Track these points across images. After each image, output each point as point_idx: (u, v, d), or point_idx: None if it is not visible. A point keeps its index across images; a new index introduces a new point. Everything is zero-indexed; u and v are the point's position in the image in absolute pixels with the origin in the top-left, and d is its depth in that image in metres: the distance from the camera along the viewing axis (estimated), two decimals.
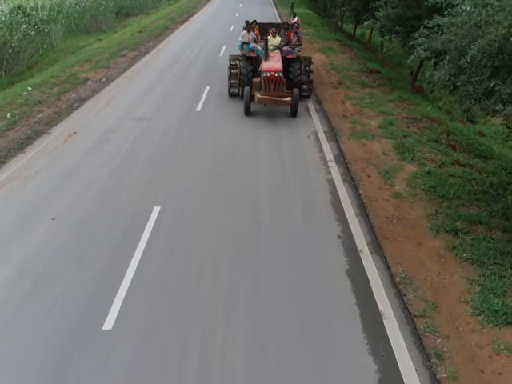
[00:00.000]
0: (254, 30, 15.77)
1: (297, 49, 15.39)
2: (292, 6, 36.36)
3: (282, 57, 14.48)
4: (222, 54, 22.07)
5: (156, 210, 8.77)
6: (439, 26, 8.36)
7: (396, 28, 17.28)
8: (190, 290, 6.80)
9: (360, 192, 9.82)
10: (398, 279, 7.14)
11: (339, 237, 8.22)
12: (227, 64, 15.63)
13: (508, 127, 7.76)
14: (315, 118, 14.37)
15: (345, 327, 6.23)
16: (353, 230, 8.41)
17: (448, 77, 7.90)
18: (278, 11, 40.87)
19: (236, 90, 15.56)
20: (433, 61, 9.48)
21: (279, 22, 28.33)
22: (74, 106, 14.92)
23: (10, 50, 20.91)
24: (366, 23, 20.64)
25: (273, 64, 13.90)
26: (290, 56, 14.87)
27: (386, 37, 20.17)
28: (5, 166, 10.61)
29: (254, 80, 14.41)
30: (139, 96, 15.89)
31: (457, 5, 7.56)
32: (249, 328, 6.15)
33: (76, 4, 33.60)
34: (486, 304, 6.53)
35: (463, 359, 5.74)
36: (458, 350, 5.88)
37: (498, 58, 7.38)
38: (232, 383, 5.41)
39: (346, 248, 7.90)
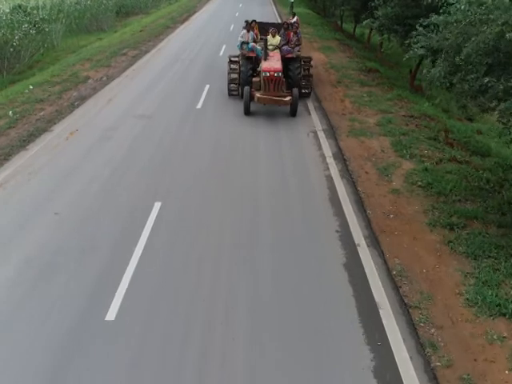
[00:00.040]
0: (253, 30, 15.81)
1: (296, 48, 15.44)
2: (291, 6, 36.47)
3: (281, 56, 14.53)
4: (222, 53, 22.21)
5: (157, 205, 8.92)
6: (435, 24, 8.50)
7: (395, 27, 17.42)
8: (191, 284, 6.95)
9: (358, 188, 9.98)
10: (395, 272, 7.30)
11: (337, 231, 8.38)
12: (227, 63, 15.75)
13: (503, 123, 7.88)
14: (314, 117, 14.52)
15: (342, 318, 6.38)
16: (350, 225, 8.57)
17: (444, 74, 8.05)
18: (277, 11, 41.03)
19: (236, 90, 15.64)
20: (429, 59, 9.63)
21: (279, 21, 28.48)
22: (76, 104, 15.07)
23: (11, 49, 21.07)
24: (364, 22, 20.79)
25: (272, 64, 13.95)
26: (289, 56, 14.92)
27: (384, 36, 20.30)
28: (8, 163, 10.75)
29: (254, 80, 14.46)
30: (140, 94, 16.04)
31: (452, 3, 7.72)
32: (249, 321, 6.30)
33: (76, 3, 33.76)
34: (480, 296, 6.69)
35: (457, 348, 5.90)
36: (451, 339, 6.04)
37: (493, 56, 7.54)
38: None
39: (344, 242, 8.06)
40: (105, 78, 18.04)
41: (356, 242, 8.07)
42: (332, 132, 13.23)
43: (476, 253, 7.66)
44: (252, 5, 43.72)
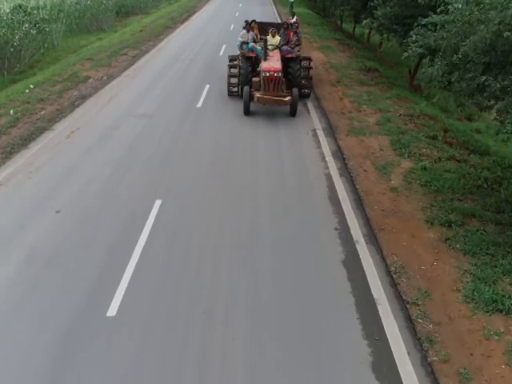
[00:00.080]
0: (253, 30, 15.83)
1: (296, 48, 15.45)
2: (291, 6, 36.54)
3: (281, 56, 14.53)
4: (222, 52, 22.28)
5: (158, 203, 9.00)
6: (433, 23, 8.57)
7: (394, 27, 17.51)
8: (191, 281, 7.03)
9: (357, 186, 10.05)
10: (393, 269, 7.37)
11: (336, 229, 8.45)
12: (227, 63, 15.81)
13: (500, 122, 7.95)
14: (314, 116, 14.59)
15: (341, 314, 6.45)
16: (349, 223, 8.64)
17: (441, 73, 8.12)
18: (277, 10, 41.09)
19: (235, 90, 15.67)
20: (428, 58, 9.70)
21: (279, 21, 28.54)
22: (76, 103, 15.14)
23: (11, 49, 21.09)
24: (364, 22, 20.87)
25: (272, 64, 13.96)
26: (289, 56, 14.92)
27: (384, 36, 20.39)
28: (9, 162, 10.83)
29: (254, 80, 14.47)
30: (140, 93, 16.11)
31: (449, 3, 7.79)
32: (249, 316, 6.38)
33: (77, 3, 33.79)
34: (477, 292, 6.76)
35: (454, 344, 5.97)
36: (449, 335, 6.11)
37: (490, 55, 7.61)
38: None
39: (343, 239, 8.13)
40: (105, 78, 18.12)
41: (355, 240, 8.14)
42: (331, 131, 13.30)
43: (473, 250, 7.74)
44: (252, 5, 43.78)
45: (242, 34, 15.43)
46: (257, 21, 16.75)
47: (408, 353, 5.83)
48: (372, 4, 18.38)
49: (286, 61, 14.66)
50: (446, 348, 5.89)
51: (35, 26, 24.43)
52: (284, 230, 8.38)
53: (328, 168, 10.90)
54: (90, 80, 17.75)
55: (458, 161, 11.41)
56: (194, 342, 5.95)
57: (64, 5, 32.94)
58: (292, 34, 15.79)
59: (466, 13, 7.33)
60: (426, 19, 8.88)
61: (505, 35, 6.99)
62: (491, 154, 12.79)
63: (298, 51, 15.64)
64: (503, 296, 6.65)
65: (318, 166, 11.01)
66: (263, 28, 16.69)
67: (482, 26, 7.08)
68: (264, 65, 13.94)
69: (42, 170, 10.39)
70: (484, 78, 7.30)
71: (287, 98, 13.94)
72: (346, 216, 8.88)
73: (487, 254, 7.66)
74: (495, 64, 7.58)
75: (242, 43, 15.22)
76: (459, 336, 6.09)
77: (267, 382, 5.45)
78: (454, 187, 9.88)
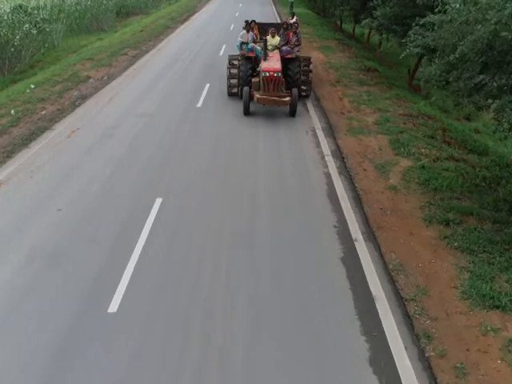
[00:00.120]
0: (253, 30, 15.87)
1: (296, 49, 15.49)
2: (291, 6, 36.62)
3: (281, 57, 14.56)
4: (222, 52, 22.36)
5: (158, 201, 9.08)
6: (431, 23, 8.64)
7: (393, 27, 17.56)
8: (191, 279, 7.11)
9: (356, 185, 10.13)
10: (391, 266, 7.44)
11: (335, 226, 8.53)
12: (227, 63, 15.88)
13: (497, 121, 8.03)
14: (313, 115, 14.67)
15: (339, 310, 6.53)
16: (348, 220, 8.71)
17: (439, 72, 8.19)
18: (277, 11, 41.18)
19: (235, 90, 15.69)
20: (426, 58, 9.77)
21: (278, 21, 28.62)
22: (77, 103, 15.22)
23: (12, 49, 21.16)
24: (363, 22, 20.94)
25: (272, 64, 13.98)
26: (289, 56, 14.94)
27: (383, 36, 20.46)
28: (10, 161, 10.90)
29: (253, 80, 14.49)
30: (141, 93, 16.19)
31: (447, 3, 7.86)
32: (249, 310, 6.45)
33: (77, 3, 33.89)
34: (474, 289, 6.82)
35: (451, 339, 6.04)
36: (446, 330, 6.18)
37: (488, 55, 7.67)
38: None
39: (341, 237, 8.21)
40: (106, 78, 18.19)
41: (353, 237, 8.21)
42: (330, 130, 13.37)
43: (471, 248, 7.80)
44: (252, 5, 43.88)
45: (242, 35, 15.48)
46: (257, 21, 16.80)
47: (405, 348, 5.90)
48: (371, 4, 18.44)
49: (285, 61, 14.67)
50: (443, 343, 5.96)
51: (35, 26, 24.51)
52: (283, 228, 8.45)
53: (327, 167, 10.97)
54: (90, 80, 17.83)
55: (457, 160, 11.48)
56: (194, 341, 5.96)
57: (64, 5, 33.05)
58: (292, 34, 15.82)
59: (464, 12, 7.41)
60: (424, 19, 8.95)
61: (502, 35, 7.07)
62: (490, 153, 12.86)
63: (298, 51, 15.71)
64: (500, 293, 6.72)
65: (318, 165, 11.08)
66: (263, 28, 16.73)
67: (479, 26, 7.16)
68: (264, 65, 13.97)
69: (42, 170, 10.46)
70: (481, 77, 7.36)
71: (287, 99, 13.95)
72: (345, 214, 8.95)
73: (485, 251, 7.72)
74: (492, 63, 7.65)
75: (242, 43, 15.28)
76: (456, 332, 6.16)
77: (267, 381, 5.47)
78: (452, 186, 9.95)
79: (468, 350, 5.86)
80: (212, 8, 44.71)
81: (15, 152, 11.35)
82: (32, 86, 16.61)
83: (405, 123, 13.88)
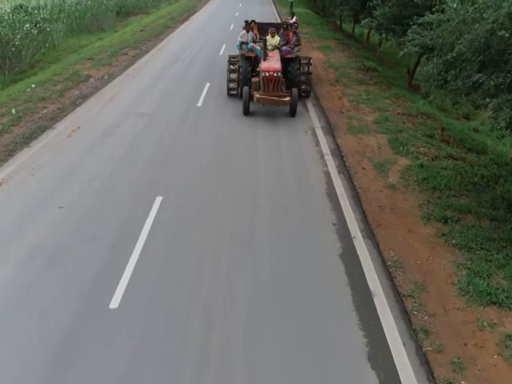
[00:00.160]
0: (252, 30, 15.89)
1: (296, 49, 15.52)
2: (291, 6, 36.65)
3: (280, 57, 14.59)
4: (221, 52, 22.43)
5: (159, 199, 9.16)
6: (429, 22, 8.72)
7: (392, 26, 17.61)
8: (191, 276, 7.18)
9: (355, 183, 10.20)
10: (389, 263, 7.52)
11: (334, 224, 8.60)
12: (226, 63, 15.92)
13: (495, 119, 8.11)
14: (313, 114, 14.73)
15: (337, 306, 6.60)
16: (347, 218, 8.79)
17: (437, 71, 8.27)
18: (277, 10, 41.25)
19: (235, 92, 15.72)
20: (425, 57, 9.85)
21: (278, 21, 28.69)
22: (78, 102, 15.28)
23: (12, 49, 21.24)
24: (363, 22, 21.02)
25: (272, 64, 14.00)
26: (288, 56, 14.97)
27: (383, 35, 20.53)
28: (12, 159, 10.97)
29: (253, 80, 14.51)
30: (141, 93, 16.26)
31: (444, 2, 7.94)
32: (248, 303, 6.53)
33: (77, 3, 33.96)
34: (471, 285, 6.90)
35: (448, 334, 6.12)
36: (443, 326, 6.26)
37: (485, 54, 7.75)
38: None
39: (340, 234, 8.28)
40: (106, 77, 18.26)
41: (352, 235, 8.29)
42: (330, 129, 13.44)
43: (469, 245, 7.88)
44: (252, 4, 43.96)
45: (242, 34, 15.52)
46: (256, 21, 16.84)
47: (403, 343, 5.98)
48: (371, 4, 18.52)
49: (285, 61, 14.70)
50: (441, 339, 6.03)
51: (36, 25, 24.57)
52: (283, 226, 8.51)
53: (327, 166, 11.05)
54: (90, 79, 17.90)
55: (455, 159, 11.56)
56: (194, 341, 5.97)
57: (64, 5, 33.12)
58: (291, 34, 15.85)
59: (461, 12, 7.48)
60: (422, 18, 9.02)
61: (499, 34, 7.14)
62: (488, 152, 12.93)
63: (298, 51, 15.74)
64: (497, 289, 6.80)
65: (317, 164, 11.16)
66: (263, 28, 16.76)
67: (477, 25, 7.23)
68: (263, 65, 13.99)
69: (43, 168, 10.53)
70: (479, 75, 7.44)
71: (287, 99, 13.97)
72: (344, 212, 9.03)
73: (482, 248, 7.80)
74: (490, 62, 7.73)
75: (242, 43, 15.31)
76: (454, 327, 6.24)
77: (267, 380, 5.49)
78: (450, 184, 10.02)
79: (465, 345, 5.94)
80: (212, 8, 44.78)
81: (16, 151, 11.41)
82: (33, 86, 16.69)
83: (404, 122, 13.95)
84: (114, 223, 8.42)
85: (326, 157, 11.56)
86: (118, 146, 11.73)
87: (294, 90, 14.22)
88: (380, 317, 6.38)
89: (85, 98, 15.72)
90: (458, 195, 9.69)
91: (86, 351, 5.76)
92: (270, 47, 14.83)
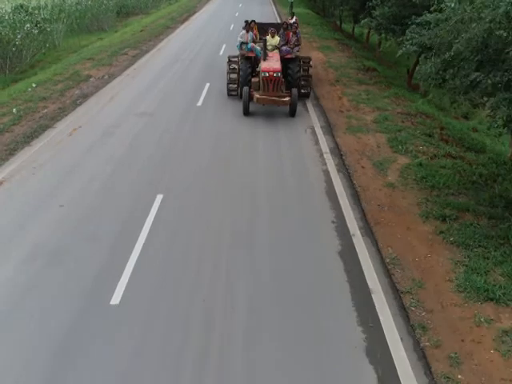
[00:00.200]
0: (252, 30, 15.92)
1: (296, 49, 15.55)
2: (291, 6, 36.72)
3: (280, 57, 14.61)
4: (221, 52, 22.49)
5: (159, 197, 9.22)
6: (428, 21, 8.78)
7: (392, 26, 17.70)
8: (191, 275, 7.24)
9: (354, 182, 10.26)
10: (388, 260, 7.58)
11: (333, 222, 8.67)
12: (226, 63, 15.97)
13: (492, 118, 8.17)
14: (312, 114, 14.79)
15: (336, 302, 6.67)
16: (346, 216, 8.86)
17: (436, 70, 8.33)
18: (277, 10, 41.32)
19: (234, 93, 15.75)
20: (423, 56, 9.91)
21: (278, 21, 28.75)
22: (78, 102, 15.35)
23: (13, 49, 21.32)
24: (362, 22, 21.08)
25: (271, 64, 14.02)
26: (288, 56, 14.98)
27: (382, 35, 20.61)
28: (13, 158, 11.04)
29: (253, 80, 14.53)
30: (141, 92, 16.32)
31: (442, 2, 8.00)
32: (247, 301, 6.59)
33: (77, 3, 34.05)
34: (469, 282, 6.97)
35: (445, 330, 6.18)
36: (441, 322, 6.32)
37: (483, 53, 7.81)
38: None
39: (339, 232, 8.35)
40: (106, 77, 18.33)
41: (351, 233, 8.35)
42: (329, 129, 13.50)
43: (467, 242, 7.95)
44: (252, 5, 44.03)
45: (242, 35, 15.56)
46: (256, 21, 16.87)
47: (401, 339, 6.04)
48: (370, 4, 18.59)
49: (285, 61, 14.70)
50: (438, 334, 6.10)
51: (36, 25, 24.64)
52: (283, 225, 8.56)
53: (326, 165, 11.11)
54: (91, 79, 17.97)
55: (454, 157, 11.62)
56: (194, 338, 6.01)
57: (65, 5, 33.21)
58: (291, 34, 15.88)
59: (459, 11, 7.54)
60: (421, 18, 9.08)
61: (497, 33, 7.21)
62: (487, 151, 12.99)
63: (298, 51, 15.78)
64: (494, 286, 6.86)
65: (316, 163, 11.22)
66: (263, 28, 16.78)
67: (474, 25, 7.29)
68: (263, 65, 14.01)
69: (44, 167, 10.59)
70: (476, 74, 7.50)
71: (286, 99, 13.99)
72: (344, 211, 9.09)
73: (480, 246, 7.87)
74: (487, 61, 7.79)
75: (242, 43, 15.33)
76: (451, 323, 6.30)
77: (267, 380, 5.52)
78: (449, 183, 10.09)
79: (462, 340, 6.01)
80: (212, 8, 44.86)
81: (17, 150, 11.48)
82: (33, 85, 16.76)
83: (403, 121, 14.02)
84: (115, 223, 8.47)
85: (325, 156, 11.62)
86: (118, 146, 11.79)
87: (294, 90, 14.23)
88: (378, 313, 6.44)
89: (85, 97, 15.79)
90: (457, 193, 9.76)
91: (87, 349, 5.79)
92: (269, 47, 14.84)
